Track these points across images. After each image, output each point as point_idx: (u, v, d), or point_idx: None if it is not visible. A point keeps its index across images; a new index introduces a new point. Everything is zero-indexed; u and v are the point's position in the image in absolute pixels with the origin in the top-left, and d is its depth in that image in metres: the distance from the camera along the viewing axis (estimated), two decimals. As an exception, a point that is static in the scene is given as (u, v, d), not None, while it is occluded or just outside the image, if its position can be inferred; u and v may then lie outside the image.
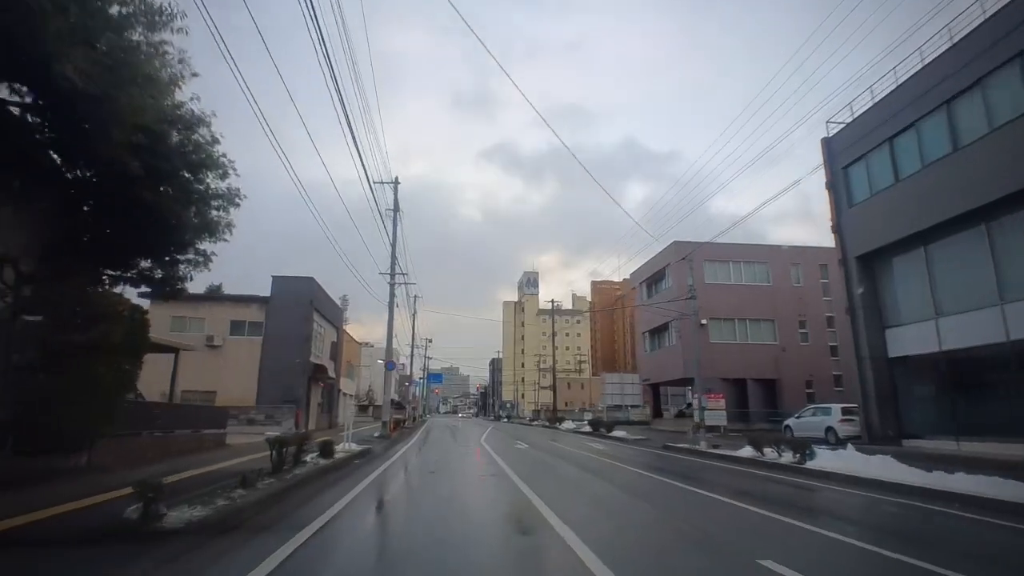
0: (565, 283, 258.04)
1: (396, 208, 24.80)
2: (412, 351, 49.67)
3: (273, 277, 25.93)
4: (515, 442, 21.08)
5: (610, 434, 25.92)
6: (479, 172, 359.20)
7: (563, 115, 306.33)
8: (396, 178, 24.73)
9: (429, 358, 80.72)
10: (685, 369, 29.15)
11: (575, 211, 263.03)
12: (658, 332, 33.18)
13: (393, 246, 24.64)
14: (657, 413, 34.48)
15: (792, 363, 28.89)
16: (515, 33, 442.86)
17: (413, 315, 47.04)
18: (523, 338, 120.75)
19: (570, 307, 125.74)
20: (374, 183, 23.50)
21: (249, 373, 24.59)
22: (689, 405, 34.47)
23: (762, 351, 29.62)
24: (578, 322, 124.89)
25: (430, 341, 73.24)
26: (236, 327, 25.41)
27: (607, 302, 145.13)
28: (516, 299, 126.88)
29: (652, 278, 33.47)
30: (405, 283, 26.53)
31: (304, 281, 26.32)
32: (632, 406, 41.47)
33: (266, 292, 25.77)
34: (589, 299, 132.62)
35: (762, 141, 31.95)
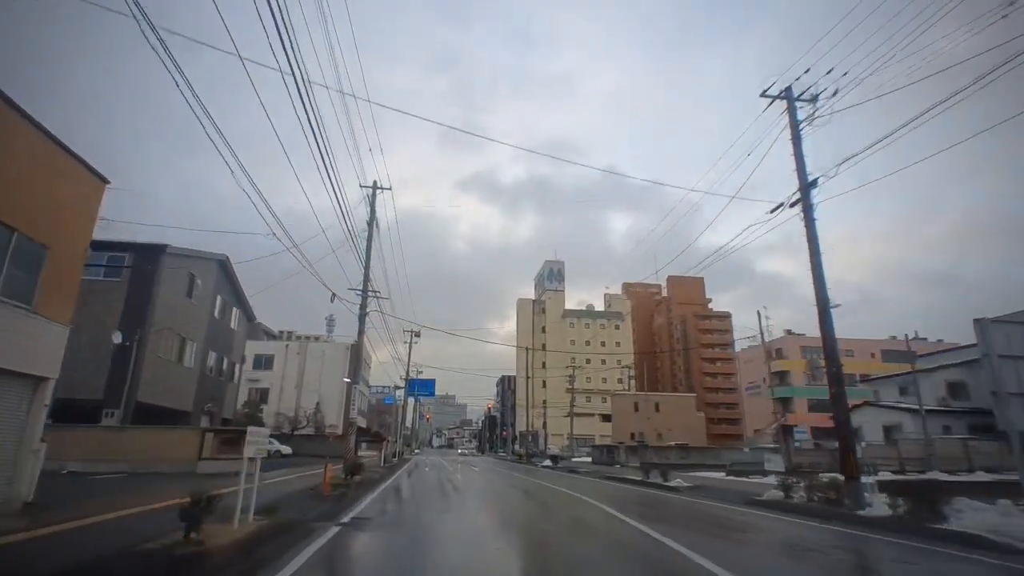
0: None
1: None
2: (364, 296, 19.87)
3: None
4: None
5: None
6: (467, 205, 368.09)
7: (549, 149, 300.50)
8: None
9: (419, 370, 50.33)
10: None
11: (563, 240, 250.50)
12: None
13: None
14: None
15: None
16: (502, 70, 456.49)
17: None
18: (544, 347, 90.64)
19: (598, 311, 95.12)
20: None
21: None
22: None
23: None
24: (617, 328, 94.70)
25: (417, 335, 43.36)
26: None
27: (644, 306, 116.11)
28: (534, 297, 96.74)
29: None
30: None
31: None
32: None
33: None
34: (616, 301, 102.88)
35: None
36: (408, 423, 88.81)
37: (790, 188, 12.57)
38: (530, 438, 78.68)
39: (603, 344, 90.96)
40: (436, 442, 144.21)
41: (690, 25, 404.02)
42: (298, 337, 50.19)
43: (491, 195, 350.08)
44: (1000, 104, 13.47)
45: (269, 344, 48.56)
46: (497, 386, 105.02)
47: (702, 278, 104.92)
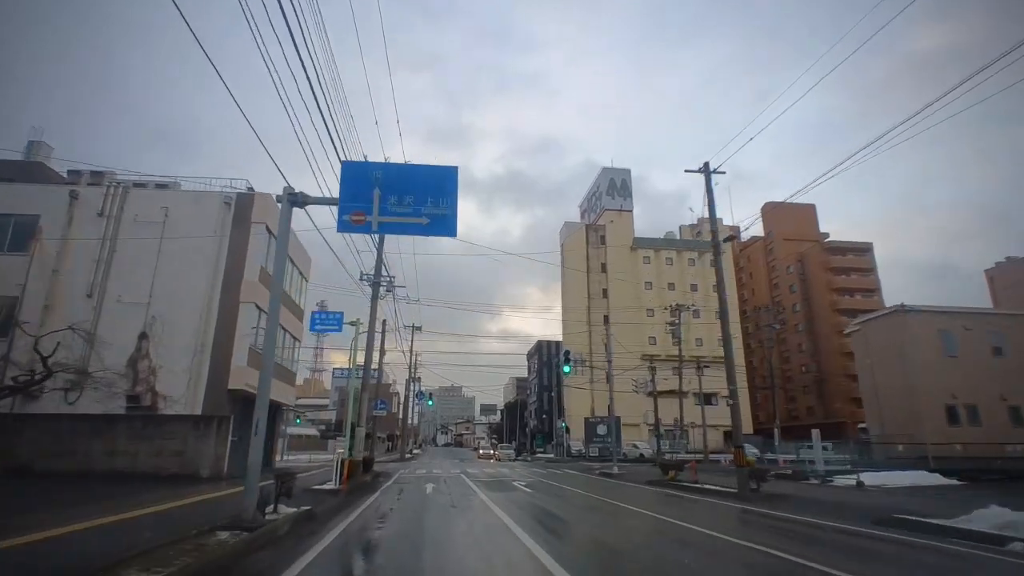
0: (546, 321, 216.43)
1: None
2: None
3: None
4: None
5: None
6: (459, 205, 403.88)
7: (533, 146, 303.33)
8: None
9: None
10: None
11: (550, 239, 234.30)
12: None
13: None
14: None
15: None
16: (483, 70, 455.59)
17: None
18: (605, 293, 60.94)
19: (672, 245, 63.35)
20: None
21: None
22: None
23: None
24: (712, 264, 64.96)
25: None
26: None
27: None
28: (587, 222, 65.92)
29: None
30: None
31: None
32: None
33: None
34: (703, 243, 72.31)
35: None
36: (399, 403, 58.93)
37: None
38: (602, 428, 49.03)
39: (694, 288, 60.97)
40: (441, 439, 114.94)
41: (664, 25, 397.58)
42: (117, 184, 19.87)
43: (469, 191, 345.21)
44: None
45: (28, 192, 18.57)
46: (530, 359, 75.00)
47: (813, 205, 75.47)
